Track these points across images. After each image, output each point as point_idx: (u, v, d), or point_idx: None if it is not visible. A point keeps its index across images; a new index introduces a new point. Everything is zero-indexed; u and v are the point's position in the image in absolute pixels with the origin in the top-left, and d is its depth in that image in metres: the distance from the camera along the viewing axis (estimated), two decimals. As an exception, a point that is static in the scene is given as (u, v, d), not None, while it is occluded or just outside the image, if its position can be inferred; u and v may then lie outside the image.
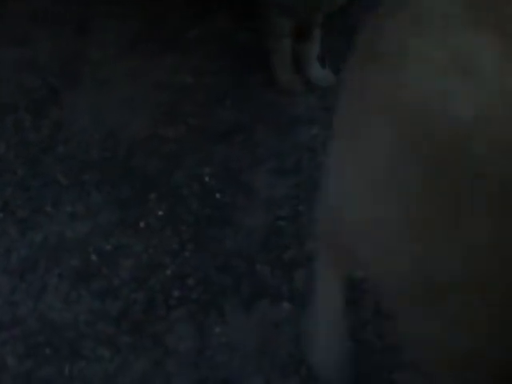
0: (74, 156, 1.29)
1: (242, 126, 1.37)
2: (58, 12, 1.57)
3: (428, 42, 0.55)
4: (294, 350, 1.01)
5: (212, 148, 1.32)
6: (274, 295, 1.08)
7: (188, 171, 1.27)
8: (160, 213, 1.20)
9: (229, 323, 1.05)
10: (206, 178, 1.26)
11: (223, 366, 1.00)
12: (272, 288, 1.09)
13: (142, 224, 1.19)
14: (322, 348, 0.83)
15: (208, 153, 1.31)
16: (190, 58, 1.47)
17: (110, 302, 1.05)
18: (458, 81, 0.51)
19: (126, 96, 1.41)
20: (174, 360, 1.01)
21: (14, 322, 1.05)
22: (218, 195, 1.23)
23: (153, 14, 1.56)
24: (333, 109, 1.40)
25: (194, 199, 1.23)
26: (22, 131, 1.34)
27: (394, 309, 0.60)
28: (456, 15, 0.55)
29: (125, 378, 0.99)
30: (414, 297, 0.56)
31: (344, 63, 1.55)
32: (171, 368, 1.00)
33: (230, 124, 1.37)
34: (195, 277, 1.11)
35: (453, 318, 0.53)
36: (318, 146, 1.33)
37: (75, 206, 1.21)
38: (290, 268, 1.12)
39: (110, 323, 1.04)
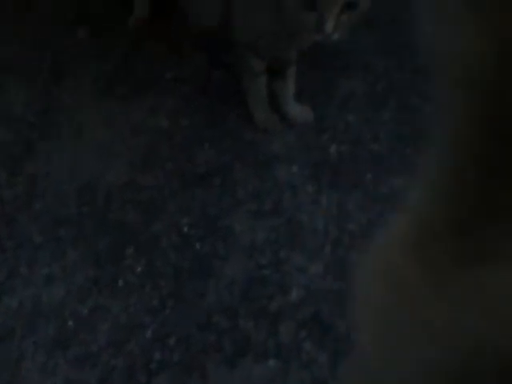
0: (49, 212, 1.26)
1: (220, 166, 1.33)
2: (31, 58, 1.55)
3: None
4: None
5: (191, 193, 1.29)
6: (258, 351, 1.04)
7: (166, 221, 1.24)
8: (138, 269, 1.17)
9: (212, 384, 1.01)
10: (185, 228, 1.22)
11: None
12: (256, 344, 1.05)
13: (120, 282, 1.16)
14: None
15: (186, 199, 1.28)
16: (167, 100, 1.44)
17: (88, 370, 1.02)
18: None
19: (103, 142, 1.38)
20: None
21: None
22: (197, 245, 1.20)
23: (129, 55, 1.54)
24: (312, 146, 1.37)
25: (172, 251, 1.19)
26: (-4, 189, 1.32)
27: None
28: None
29: None
30: None
31: (322, 99, 1.53)
32: None
33: (209, 166, 1.34)
34: (176, 336, 1.07)
35: None
36: (297, 185, 1.29)
37: (51, 267, 1.18)
38: (274, 321, 1.08)
39: (89, 392, 1.01)
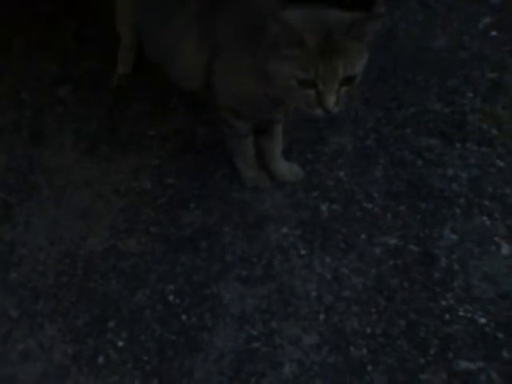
0: (27, 283, 1.19)
1: (207, 228, 1.28)
2: (10, 120, 1.51)
3: None
4: None
5: (176, 259, 1.22)
6: None
7: (150, 290, 1.17)
8: (120, 343, 1.09)
9: None
10: (170, 297, 1.15)
11: None
12: (247, 427, 0.97)
13: (100, 359, 1.08)
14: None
15: (172, 265, 1.21)
16: (150, 159, 1.40)
17: None
18: None
19: (84, 206, 1.32)
20: None
21: None
22: (183, 316, 1.12)
23: (112, 113, 1.50)
24: (302, 205, 1.32)
25: (157, 323, 1.12)
26: (-30, 258, 1.24)
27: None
28: None
29: None
30: None
31: (311, 155, 1.50)
32: None
33: (195, 228, 1.28)
34: (160, 421, 0.99)
35: None
36: (288, 248, 1.23)
37: (27, 342, 1.10)
38: (266, 400, 1.00)
39: None
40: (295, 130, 1.42)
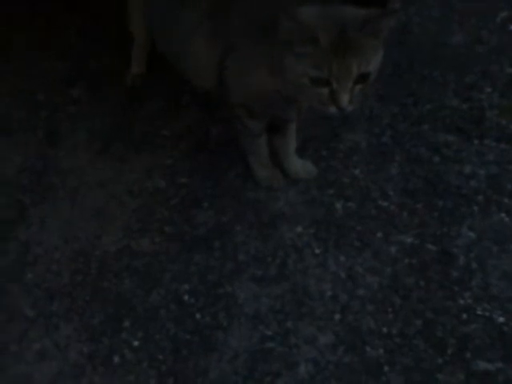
0: (42, 283, 1.20)
1: (221, 228, 1.27)
2: (25, 119, 1.52)
3: None
4: None
5: (190, 258, 1.22)
6: None
7: (165, 289, 1.17)
8: (135, 343, 1.09)
9: None
10: (185, 297, 1.15)
11: None
12: (262, 428, 0.96)
13: (115, 358, 1.08)
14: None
15: (186, 265, 1.21)
16: (164, 159, 1.40)
17: None
18: None
19: (98, 206, 1.33)
20: None
21: None
22: (197, 315, 1.12)
23: (125, 113, 1.50)
24: (316, 203, 1.31)
25: (171, 322, 1.12)
26: (-13, 258, 1.26)
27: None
28: None
29: None
30: None
31: (326, 152, 1.48)
32: None
33: (209, 227, 1.28)
34: (176, 421, 0.98)
35: None
36: (302, 247, 1.22)
37: (43, 342, 1.11)
38: (281, 400, 0.99)
39: None
40: (309, 128, 1.40)
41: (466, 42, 1.68)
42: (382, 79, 1.54)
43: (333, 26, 0.96)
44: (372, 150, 1.41)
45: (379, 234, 1.22)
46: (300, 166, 1.35)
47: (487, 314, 1.04)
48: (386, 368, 1.00)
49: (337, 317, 1.09)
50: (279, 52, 1.02)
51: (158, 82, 1.54)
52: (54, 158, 1.43)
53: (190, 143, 1.42)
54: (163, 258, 1.22)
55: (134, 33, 1.49)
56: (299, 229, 1.26)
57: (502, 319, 1.03)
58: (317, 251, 1.21)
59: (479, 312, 1.04)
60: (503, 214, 1.20)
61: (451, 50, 1.65)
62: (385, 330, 1.05)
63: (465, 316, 1.04)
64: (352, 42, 0.95)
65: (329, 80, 0.97)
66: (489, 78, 1.55)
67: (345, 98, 0.97)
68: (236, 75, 1.17)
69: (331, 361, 1.02)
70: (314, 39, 0.95)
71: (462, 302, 1.07)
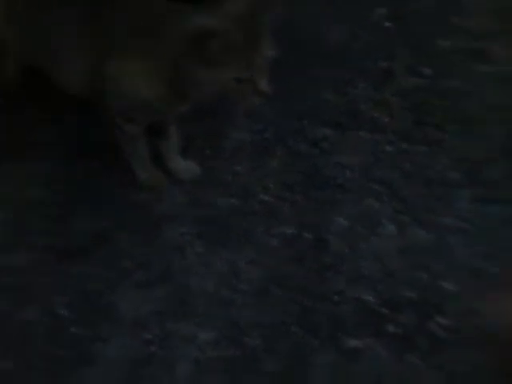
0: None
1: (102, 235, 1.23)
2: None
3: None
4: None
5: (67, 270, 1.17)
6: None
7: (39, 305, 1.11)
8: (7, 365, 1.03)
9: None
10: (61, 310, 1.10)
11: None
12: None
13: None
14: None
15: (63, 277, 1.15)
16: (38, 166, 1.34)
17: None
18: None
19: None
20: None
21: None
22: (73, 329, 1.07)
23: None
24: (200, 203, 1.30)
25: (44, 339, 1.06)
26: None
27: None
28: None
29: None
30: None
31: (210, 151, 1.48)
32: None
33: (89, 236, 1.23)
34: None
35: None
36: (186, 247, 1.21)
37: None
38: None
39: None
40: (193, 127, 1.40)
41: (343, 39, 1.76)
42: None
43: (239, 24, 1.00)
44: (255, 147, 1.44)
45: (261, 228, 1.24)
46: (183, 167, 1.34)
47: (357, 295, 1.09)
48: (264, 356, 1.01)
49: (218, 312, 1.09)
50: (187, 65, 1.03)
51: (32, 88, 1.47)
52: None
53: (68, 149, 1.37)
54: (37, 272, 1.16)
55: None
56: (183, 229, 1.25)
57: (370, 298, 1.08)
58: (200, 250, 1.21)
59: (350, 294, 1.09)
60: (373, 201, 1.27)
61: (329, 46, 1.72)
62: (264, 320, 1.07)
63: (337, 298, 1.08)
64: (257, 31, 1.01)
65: (252, 76, 1.02)
66: (363, 73, 1.63)
67: (266, 86, 1.05)
68: (114, 81, 1.14)
69: (211, 357, 1.02)
70: (232, 43, 0.98)
71: (335, 286, 1.11)
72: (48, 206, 1.27)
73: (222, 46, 0.99)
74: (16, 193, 1.28)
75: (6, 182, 1.30)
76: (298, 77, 1.61)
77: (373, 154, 1.40)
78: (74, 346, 1.05)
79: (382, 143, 1.43)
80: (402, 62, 1.67)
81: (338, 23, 1.81)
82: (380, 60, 1.69)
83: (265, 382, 0.99)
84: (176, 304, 1.11)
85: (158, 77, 1.10)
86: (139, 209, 1.28)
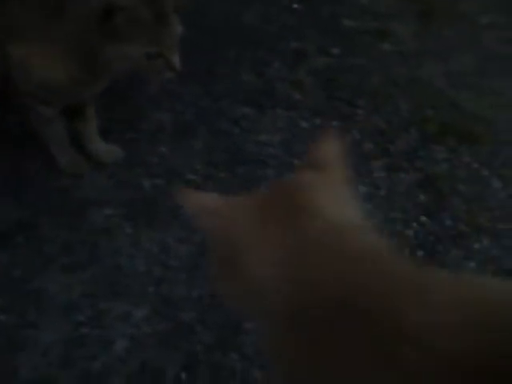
0: None
1: (24, 222, 1.20)
2: None
3: None
4: None
5: (-10, 259, 1.14)
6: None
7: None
8: None
9: None
10: (-15, 301, 1.07)
11: None
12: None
13: None
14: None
15: (-15, 266, 1.12)
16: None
17: None
18: None
19: None
20: None
21: None
22: (1, 317, 1.05)
23: None
24: (125, 185, 1.30)
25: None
26: None
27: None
28: None
29: None
30: None
31: (132, 133, 1.48)
32: None
33: (10, 224, 1.20)
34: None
35: None
36: (113, 228, 1.22)
37: None
38: (100, 381, 0.99)
39: None
40: (114, 110, 1.39)
41: (256, 21, 1.81)
42: (181, 59, 1.60)
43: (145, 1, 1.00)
44: (177, 128, 1.46)
45: (187, 206, 1.28)
46: (105, 150, 1.33)
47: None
48: (198, 328, 1.06)
49: (151, 290, 1.12)
50: (96, 41, 1.02)
51: None
52: None
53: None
54: (-43, 263, 1.12)
55: None
56: (109, 211, 1.25)
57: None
58: (128, 231, 1.22)
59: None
60: (293, 174, 1.34)
61: (244, 30, 1.77)
62: (196, 294, 1.12)
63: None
64: (165, 7, 1.02)
65: (162, 51, 1.03)
66: (278, 53, 1.70)
67: (177, 61, 1.06)
68: (23, 63, 1.10)
69: (146, 332, 1.05)
70: (140, 19, 0.99)
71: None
72: (-38, 195, 1.21)
73: (128, 20, 0.99)
74: None
75: None
76: (215, 58, 1.65)
77: (289, 130, 1.48)
78: (4, 334, 1.03)
79: (298, 119, 1.51)
80: (312, 42, 1.76)
81: (250, 6, 1.86)
82: (292, 41, 1.77)
83: (200, 353, 1.04)
84: (107, 285, 1.12)
85: (68, 57, 1.09)
86: (62, 194, 1.27)
